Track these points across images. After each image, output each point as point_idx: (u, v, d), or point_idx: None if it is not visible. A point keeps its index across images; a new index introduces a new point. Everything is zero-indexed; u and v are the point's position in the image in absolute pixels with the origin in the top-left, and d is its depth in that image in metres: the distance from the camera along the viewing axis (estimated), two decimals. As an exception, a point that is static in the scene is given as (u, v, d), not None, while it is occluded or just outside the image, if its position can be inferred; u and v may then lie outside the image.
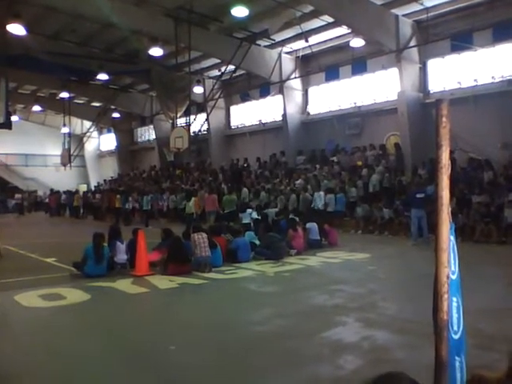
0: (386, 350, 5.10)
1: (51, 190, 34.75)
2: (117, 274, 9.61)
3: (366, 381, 1.73)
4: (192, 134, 23.75)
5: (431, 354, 2.26)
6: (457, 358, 2.43)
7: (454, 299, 2.40)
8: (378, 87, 20.82)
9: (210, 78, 26.86)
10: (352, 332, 5.83)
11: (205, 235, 10.28)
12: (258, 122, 26.69)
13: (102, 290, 8.41)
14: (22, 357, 5.23)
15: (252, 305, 7.46)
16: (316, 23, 19.46)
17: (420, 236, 13.74)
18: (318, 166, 21.10)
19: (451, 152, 15.64)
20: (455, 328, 2.42)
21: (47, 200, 34.42)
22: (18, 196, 35.47)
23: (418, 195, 13.89)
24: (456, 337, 2.42)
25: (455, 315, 2.42)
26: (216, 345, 5.43)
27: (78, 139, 36.69)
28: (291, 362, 4.87)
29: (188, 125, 23.97)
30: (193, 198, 20.51)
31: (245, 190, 21.12)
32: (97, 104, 34.65)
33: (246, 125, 27.52)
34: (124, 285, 8.78)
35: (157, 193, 25.34)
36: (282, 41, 22.06)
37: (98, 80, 26.68)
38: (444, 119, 2.18)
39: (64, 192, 32.01)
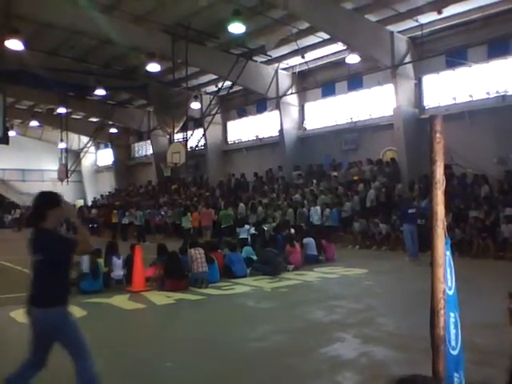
0: (384, 366, 5.07)
1: None
2: (113, 290, 9.56)
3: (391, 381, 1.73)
4: (189, 150, 23.77)
5: (429, 370, 2.25)
6: (455, 374, 2.42)
7: (452, 315, 2.39)
8: (374, 103, 20.95)
9: (207, 93, 27.00)
10: (350, 348, 5.79)
11: (202, 250, 10.25)
12: (254, 138, 26.79)
13: (99, 306, 8.35)
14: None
15: (249, 321, 7.42)
16: (312, 40, 19.64)
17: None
18: (314, 181, 21.13)
19: (449, 167, 15.85)
20: (453, 344, 2.41)
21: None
22: (17, 211, 35.36)
23: (410, 210, 14.00)
24: (454, 352, 2.41)
25: (453, 331, 2.41)
26: (213, 361, 5.38)
27: (75, 154, 36.75)
28: (289, 379, 4.83)
29: (185, 140, 24.01)
30: (188, 213, 20.49)
31: (241, 205, 21.12)
32: (94, 119, 34.71)
33: (243, 140, 27.61)
34: (120, 301, 8.73)
35: (154, 208, 25.31)
36: (279, 57, 22.22)
37: (96, 95, 26.75)
38: (438, 135, 2.20)
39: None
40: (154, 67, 20.56)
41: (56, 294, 3.71)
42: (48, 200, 3.77)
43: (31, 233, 3.80)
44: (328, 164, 22.18)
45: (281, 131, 23.66)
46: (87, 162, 40.77)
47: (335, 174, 21.10)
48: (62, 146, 33.71)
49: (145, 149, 36.42)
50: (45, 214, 3.66)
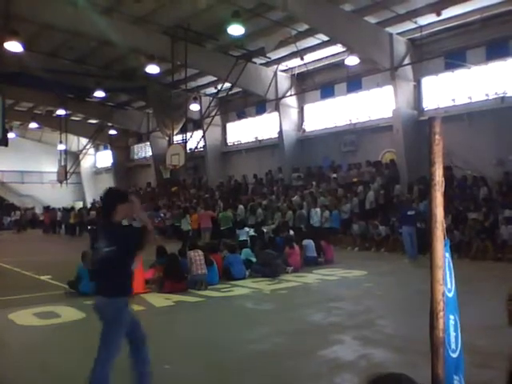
0: (384, 369, 5.06)
1: (45, 207, 34.67)
2: (112, 292, 9.53)
3: (368, 379, 1.72)
4: (188, 151, 23.76)
5: (429, 373, 2.24)
6: (455, 376, 2.42)
7: (451, 317, 2.38)
8: (373, 105, 20.96)
9: (207, 95, 27.01)
10: (349, 350, 5.79)
11: (201, 253, 10.25)
12: (254, 139, 26.79)
13: (97, 308, 8.33)
14: (16, 376, 5.17)
15: (248, 323, 7.41)
16: (311, 41, 19.65)
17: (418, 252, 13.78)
18: (314, 183, 21.14)
19: (449, 169, 15.88)
20: (453, 346, 2.40)
21: (42, 217, 34.33)
22: (17, 213, 35.36)
23: (409, 212, 14.04)
24: (454, 355, 2.41)
25: (453, 333, 2.40)
26: (212, 364, 5.37)
27: (75, 156, 36.71)
28: (288, 381, 4.83)
29: (184, 142, 24.01)
30: (187, 215, 20.47)
31: (241, 206, 21.11)
32: (93, 121, 34.70)
33: (242, 142, 27.61)
34: (119, 303, 8.70)
35: (153, 210, 25.27)
36: (278, 59, 22.23)
37: (95, 97, 26.75)
38: (437, 137, 2.20)
39: (59, 209, 31.89)
40: (153, 69, 20.55)
41: (122, 284, 3.98)
42: (117, 195, 4.13)
43: (100, 226, 4.22)
44: (327, 166, 22.19)
45: (280, 133, 23.67)
46: (86, 163, 40.75)
47: (334, 175, 21.10)
48: (62, 147, 33.68)
49: (144, 150, 36.41)
50: (114, 208, 3.94)
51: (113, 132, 35.00)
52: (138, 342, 4.28)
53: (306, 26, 17.97)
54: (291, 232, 15.35)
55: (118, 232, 3.95)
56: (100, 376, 3.92)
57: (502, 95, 16.88)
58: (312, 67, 22.02)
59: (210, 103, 25.72)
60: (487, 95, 17.33)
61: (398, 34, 18.50)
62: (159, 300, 8.91)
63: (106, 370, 3.97)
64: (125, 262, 3.95)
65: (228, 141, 28.67)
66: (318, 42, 19.58)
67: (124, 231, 4.05)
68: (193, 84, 25.08)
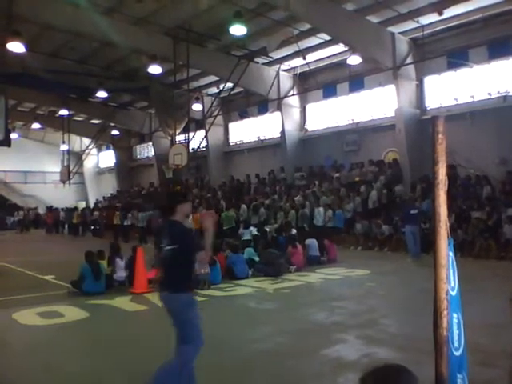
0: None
1: (48, 207, 34.73)
2: (115, 292, 9.57)
3: (366, 372, 1.71)
4: (191, 151, 23.78)
5: (432, 371, 2.25)
6: (458, 374, 2.42)
7: (455, 315, 2.39)
8: (376, 104, 20.94)
9: (209, 95, 27.01)
10: (352, 349, 5.79)
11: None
12: (256, 139, 26.80)
13: (101, 308, 8.36)
14: (20, 375, 5.18)
15: (251, 322, 7.42)
16: (313, 41, 19.64)
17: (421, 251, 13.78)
18: (316, 183, 21.13)
19: (453, 168, 15.88)
20: (456, 345, 2.40)
21: (44, 217, 34.43)
22: (20, 213, 35.45)
23: (412, 211, 14.03)
24: (457, 353, 2.41)
25: (456, 332, 2.41)
26: (215, 363, 5.38)
27: (77, 156, 36.76)
28: (291, 380, 4.83)
29: (187, 142, 24.02)
30: (190, 215, 20.46)
31: (243, 206, 21.12)
32: (96, 121, 34.72)
33: (245, 142, 27.62)
34: (122, 302, 8.74)
35: (156, 210, 25.29)
36: (280, 58, 22.22)
37: (97, 97, 26.78)
38: (440, 136, 2.20)
39: (62, 209, 31.96)
40: (155, 69, 20.57)
41: (185, 280, 4.15)
42: (177, 196, 4.49)
43: (162, 224, 4.48)
44: (329, 165, 22.19)
45: (282, 132, 23.67)
46: (89, 163, 40.81)
47: (337, 175, 21.09)
48: (64, 147, 33.73)
49: (146, 150, 36.45)
50: (175, 208, 4.19)
51: (115, 132, 35.03)
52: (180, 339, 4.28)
53: (308, 26, 17.96)
54: (294, 231, 15.36)
55: (179, 231, 4.14)
56: (176, 369, 4.13)
57: (504, 94, 16.85)
58: (314, 67, 22.01)
59: (212, 103, 25.74)
60: (489, 94, 17.30)
61: (400, 33, 18.48)
62: (162, 299, 8.92)
63: (186, 363, 4.15)
64: (186, 260, 4.12)
65: (230, 140, 28.68)
66: (320, 41, 19.57)
67: (184, 231, 4.25)
68: (195, 84, 25.09)
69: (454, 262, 2.41)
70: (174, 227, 4.17)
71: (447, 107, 18.34)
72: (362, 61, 18.63)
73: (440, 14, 16.59)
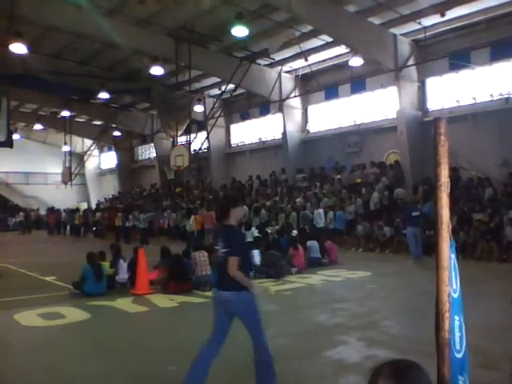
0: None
1: (49, 208, 34.77)
2: (117, 293, 9.57)
3: (379, 364, 1.72)
4: (192, 153, 23.81)
5: (434, 373, 2.24)
6: (460, 377, 2.41)
7: (457, 318, 2.39)
8: (377, 105, 20.94)
9: (211, 96, 27.03)
10: (354, 351, 5.78)
11: (205, 253, 10.24)
12: (257, 141, 26.80)
13: (102, 309, 8.36)
14: (21, 377, 5.19)
15: (252, 323, 7.39)
16: (315, 42, 19.65)
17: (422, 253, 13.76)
18: (318, 184, 21.12)
19: (455, 170, 15.87)
20: (458, 347, 2.40)
21: (46, 218, 34.49)
22: (20, 214, 35.52)
23: (414, 213, 14.02)
24: (459, 356, 2.40)
25: (457, 334, 2.40)
26: (216, 365, 5.36)
27: (79, 157, 36.79)
28: (293, 382, 4.82)
29: (188, 143, 24.05)
30: (192, 216, 20.48)
31: (245, 207, 21.11)
32: (98, 122, 34.79)
33: (246, 143, 27.63)
34: (124, 303, 8.73)
35: (157, 211, 25.33)
36: (282, 60, 22.24)
37: (99, 99, 26.81)
38: (442, 137, 2.19)
39: (64, 210, 32.00)
40: (157, 70, 20.61)
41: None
42: (229, 200, 4.63)
43: (218, 228, 4.91)
44: (330, 167, 22.18)
45: (284, 134, 23.67)
46: (91, 165, 40.87)
47: (338, 176, 21.08)
48: (66, 149, 33.80)
49: (148, 152, 36.50)
50: (228, 212, 4.38)
51: (117, 133, 35.08)
52: (222, 335, 4.54)
53: (309, 27, 17.97)
54: (295, 233, 15.34)
55: (232, 235, 4.35)
56: (265, 357, 4.37)
57: (506, 96, 16.84)
58: (316, 68, 22.02)
59: (213, 104, 25.76)
60: (492, 96, 17.28)
61: (402, 34, 18.47)
62: (163, 301, 8.93)
63: (267, 349, 4.42)
64: (240, 262, 4.24)
65: (232, 142, 28.69)
66: (322, 43, 19.57)
67: (236, 235, 4.49)
68: (197, 85, 25.14)
69: (456, 265, 2.41)
70: (229, 231, 4.38)
71: (449, 109, 18.33)
72: (364, 62, 18.65)
73: (442, 15, 16.59)
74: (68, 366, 5.45)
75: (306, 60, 20.96)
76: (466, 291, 2.55)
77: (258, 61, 22.23)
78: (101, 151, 41.69)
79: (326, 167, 22.40)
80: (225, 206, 4.52)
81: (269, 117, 25.70)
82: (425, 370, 1.75)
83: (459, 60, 17.62)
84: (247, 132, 27.56)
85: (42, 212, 36.93)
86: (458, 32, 17.64)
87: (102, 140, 35.77)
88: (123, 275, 10.16)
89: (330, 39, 18.85)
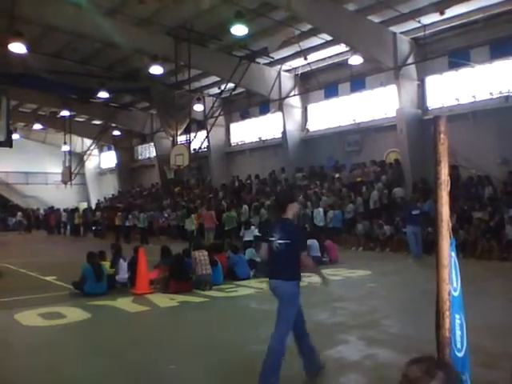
0: (389, 369, 5.05)
1: (48, 207, 34.76)
2: (117, 293, 9.56)
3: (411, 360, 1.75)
4: (192, 152, 23.80)
5: (434, 372, 2.23)
6: (461, 376, 2.41)
7: (457, 316, 2.38)
8: (377, 104, 20.92)
9: (210, 95, 27.02)
10: (354, 350, 5.78)
11: (205, 253, 10.25)
12: (257, 140, 26.80)
13: (103, 309, 8.36)
14: (21, 376, 5.18)
15: (253, 323, 7.40)
16: (315, 41, 19.64)
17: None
18: (318, 183, 21.11)
19: (455, 168, 15.86)
20: (459, 346, 2.39)
21: (43, 218, 34.54)
22: (19, 214, 35.52)
23: (414, 212, 14.02)
24: (460, 355, 2.40)
25: (458, 333, 2.40)
26: (216, 364, 5.37)
27: (79, 157, 36.80)
28: (294, 381, 4.81)
29: (188, 142, 24.04)
30: (192, 215, 20.49)
31: (245, 206, 21.12)
32: (97, 122, 34.79)
33: (246, 142, 27.62)
34: (124, 303, 8.73)
35: (157, 210, 25.34)
36: (281, 59, 22.23)
37: (99, 98, 26.82)
38: (442, 136, 2.19)
39: (65, 210, 32.00)
40: (156, 69, 20.60)
41: (293, 270, 4.62)
42: (287, 195, 5.28)
43: (275, 221, 5.11)
44: (330, 166, 22.17)
45: (284, 133, 23.66)
46: (91, 164, 40.87)
47: (337, 175, 21.07)
48: (66, 148, 33.79)
49: (148, 151, 36.50)
50: (286, 207, 4.69)
51: (117, 133, 35.08)
52: (302, 327, 4.78)
53: (309, 26, 17.96)
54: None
55: (290, 228, 4.66)
56: (279, 346, 4.47)
57: (506, 94, 16.82)
58: (315, 67, 21.99)
59: (213, 103, 25.76)
60: (491, 94, 17.27)
61: (402, 33, 18.46)
62: (164, 300, 8.93)
63: (285, 341, 4.52)
64: (295, 253, 4.57)
65: (232, 141, 28.68)
66: (322, 41, 19.56)
67: (296, 228, 4.93)
68: (196, 84, 25.12)
69: (457, 263, 2.40)
70: (286, 224, 4.67)
71: (449, 107, 18.31)
72: (364, 61, 18.63)
73: (442, 13, 16.58)
74: (68, 366, 5.45)
75: (306, 59, 20.95)
76: (466, 290, 2.55)
77: (258, 60, 22.23)
78: (100, 151, 41.68)
79: (326, 166, 22.39)
80: (283, 200, 4.85)
81: (268, 116, 25.70)
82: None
83: (459, 58, 17.61)
84: (247, 131, 27.55)
85: (42, 212, 36.95)
86: (458, 30, 17.63)
87: (102, 139, 35.79)
88: (123, 275, 10.15)
89: (329, 38, 18.84)
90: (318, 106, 23.77)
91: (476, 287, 8.49)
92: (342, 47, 19.80)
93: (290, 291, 4.59)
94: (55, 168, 37.17)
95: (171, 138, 25.83)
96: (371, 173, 19.75)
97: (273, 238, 4.63)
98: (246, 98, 25.94)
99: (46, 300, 9.00)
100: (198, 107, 25.70)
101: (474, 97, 17.80)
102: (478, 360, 4.54)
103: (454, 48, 17.84)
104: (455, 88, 18.36)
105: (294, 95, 23.59)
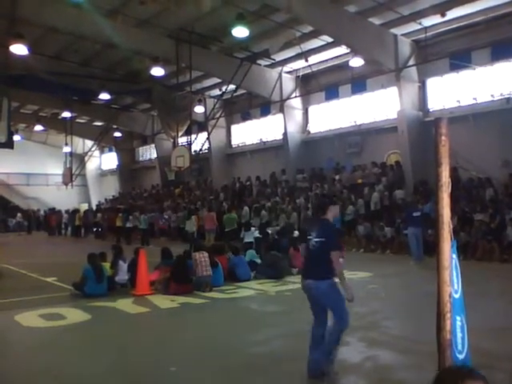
0: (390, 370, 5.05)
1: (49, 209, 34.76)
2: (117, 294, 9.56)
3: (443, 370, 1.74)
4: (193, 153, 23.81)
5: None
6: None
7: (458, 318, 2.38)
8: (378, 106, 20.93)
9: (211, 97, 27.04)
10: (355, 352, 5.77)
11: (206, 254, 10.24)
12: (258, 141, 26.80)
13: (103, 310, 8.35)
14: (21, 377, 5.18)
15: (253, 325, 7.40)
16: (316, 43, 19.65)
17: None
18: (318, 185, 21.10)
19: (455, 170, 15.84)
20: (460, 347, 2.39)
21: (43, 219, 34.54)
22: (18, 215, 35.50)
23: (415, 214, 14.00)
24: (461, 356, 2.40)
25: (459, 334, 2.39)
26: (216, 366, 5.37)
27: (80, 158, 36.78)
28: (296, 383, 4.81)
29: (189, 144, 24.05)
30: (193, 217, 20.49)
31: (246, 208, 21.11)
32: (98, 123, 34.80)
33: (247, 144, 27.62)
34: (125, 304, 8.73)
35: (158, 212, 25.33)
36: (283, 60, 22.24)
37: (100, 100, 26.82)
38: (443, 138, 2.19)
39: (66, 211, 32.01)
40: (157, 71, 20.62)
41: (327, 268, 4.80)
42: (329, 200, 5.76)
43: (314, 221, 5.78)
44: (330, 167, 22.16)
45: (285, 134, 23.66)
46: (92, 165, 40.85)
47: (337, 177, 21.07)
48: (67, 149, 33.77)
49: (149, 152, 36.50)
50: (326, 209, 5.03)
51: (118, 134, 35.08)
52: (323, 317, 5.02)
53: (310, 28, 17.97)
54: (296, 233, 15.32)
55: (328, 227, 4.96)
56: (343, 327, 4.89)
57: (507, 96, 16.82)
58: (316, 69, 22.00)
59: (214, 105, 25.76)
60: (492, 96, 17.27)
61: (403, 35, 18.47)
62: (164, 301, 8.92)
63: (346, 323, 4.91)
64: (328, 251, 4.75)
65: (232, 142, 28.68)
66: (323, 43, 19.57)
67: (333, 228, 5.16)
68: (197, 86, 25.13)
69: (458, 265, 2.40)
70: (324, 224, 4.99)
71: (450, 109, 18.31)
72: (365, 63, 18.65)
73: (443, 15, 16.58)
74: (69, 367, 5.45)
75: (307, 60, 20.97)
76: (467, 291, 2.54)
77: (259, 61, 22.23)
78: (101, 152, 41.67)
79: (325, 168, 22.39)
80: (324, 202, 5.37)
81: (269, 117, 25.71)
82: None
83: (460, 60, 17.61)
84: (248, 132, 27.55)
85: (43, 213, 36.96)
86: (459, 32, 17.63)
87: (103, 141, 35.76)
88: (122, 276, 10.15)
89: (330, 40, 18.85)
90: (319, 108, 23.78)
91: (477, 289, 8.48)
92: (342, 49, 19.81)
93: (324, 288, 4.80)
94: (56, 169, 37.14)
95: (172, 140, 25.85)
96: (372, 174, 19.74)
97: (310, 237, 4.93)
98: (247, 100, 25.94)
99: (47, 301, 9.00)
100: (199, 109, 25.72)
101: (475, 99, 17.80)
102: (479, 361, 4.53)
103: (455, 50, 17.84)
104: (456, 90, 18.36)
105: (295, 97, 23.60)
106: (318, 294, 4.82)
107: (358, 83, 21.16)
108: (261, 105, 25.50)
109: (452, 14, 16.54)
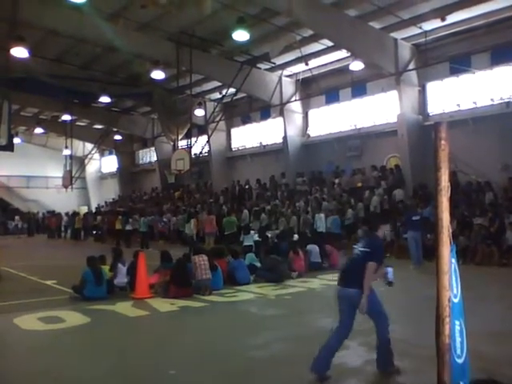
0: (389, 374, 5.04)
1: (48, 211, 34.73)
2: (117, 297, 9.55)
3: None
4: (193, 156, 23.81)
5: (434, 378, 2.23)
6: (461, 382, 2.41)
7: (457, 323, 2.38)
8: (378, 110, 20.96)
9: (211, 100, 27.08)
10: (355, 356, 5.77)
11: (205, 257, 10.23)
12: (258, 145, 26.81)
13: (102, 313, 8.34)
14: (21, 381, 5.18)
15: (252, 328, 7.39)
16: (316, 47, 19.68)
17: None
18: (318, 188, 21.10)
19: (454, 174, 15.84)
20: (458, 352, 2.39)
21: (42, 222, 34.51)
22: (16, 217, 35.47)
23: (414, 217, 14.00)
24: (460, 361, 2.40)
25: (458, 339, 2.39)
26: (216, 370, 5.36)
27: (80, 161, 36.80)
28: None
29: (189, 147, 24.06)
30: (192, 220, 20.48)
31: (245, 211, 21.11)
32: (99, 126, 34.83)
33: (247, 147, 27.64)
34: (124, 307, 8.72)
35: (157, 214, 25.32)
36: (283, 64, 22.27)
37: (100, 103, 26.87)
38: (443, 142, 2.19)
39: (66, 214, 32.00)
40: (158, 74, 20.64)
41: (361, 279, 5.09)
42: (381, 218, 6.56)
43: (364, 233, 7.36)
44: (330, 171, 22.17)
45: (285, 138, 23.68)
46: (92, 168, 40.88)
47: (337, 181, 21.07)
48: (67, 152, 33.77)
49: (149, 155, 36.52)
50: (379, 226, 5.50)
51: (118, 137, 35.13)
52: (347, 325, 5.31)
53: (310, 32, 18.00)
54: (296, 237, 15.31)
55: (375, 241, 5.36)
56: (387, 337, 5.15)
57: (507, 100, 16.86)
58: (316, 72, 22.04)
59: (214, 108, 25.81)
60: (492, 100, 17.30)
61: (403, 39, 18.51)
62: (164, 305, 8.91)
63: (387, 330, 5.24)
64: (366, 263, 5.07)
65: (233, 146, 28.70)
66: (323, 47, 19.61)
67: (379, 243, 5.56)
68: (198, 89, 25.17)
69: (457, 269, 2.40)
70: (372, 237, 5.43)
71: (450, 113, 18.34)
72: (365, 67, 18.66)
73: (443, 19, 16.63)
74: (68, 370, 5.44)
75: (307, 64, 20.99)
76: (466, 296, 2.54)
77: (259, 65, 22.27)
78: (101, 155, 41.71)
79: (324, 171, 22.40)
80: (377, 221, 5.83)
81: (269, 121, 25.73)
82: None
83: (459, 64, 17.65)
84: (248, 136, 27.58)
85: (40, 215, 36.96)
86: (459, 36, 17.66)
87: (103, 144, 35.81)
88: (121, 279, 10.13)
89: (330, 43, 18.87)
90: (319, 112, 23.81)
91: (476, 293, 8.47)
92: (343, 53, 19.84)
93: (355, 299, 5.14)
94: (56, 172, 37.17)
95: (172, 143, 25.89)
96: (371, 178, 19.74)
97: (356, 246, 5.33)
98: (247, 103, 25.96)
99: (46, 304, 8.99)
100: (199, 112, 25.75)
101: (474, 103, 17.83)
102: (478, 366, 4.53)
103: (455, 54, 17.88)
104: (456, 94, 18.39)
105: (295, 100, 23.63)
106: (351, 301, 5.16)
107: (358, 87, 21.19)
108: (261, 108, 25.53)
109: (452, 18, 16.58)
